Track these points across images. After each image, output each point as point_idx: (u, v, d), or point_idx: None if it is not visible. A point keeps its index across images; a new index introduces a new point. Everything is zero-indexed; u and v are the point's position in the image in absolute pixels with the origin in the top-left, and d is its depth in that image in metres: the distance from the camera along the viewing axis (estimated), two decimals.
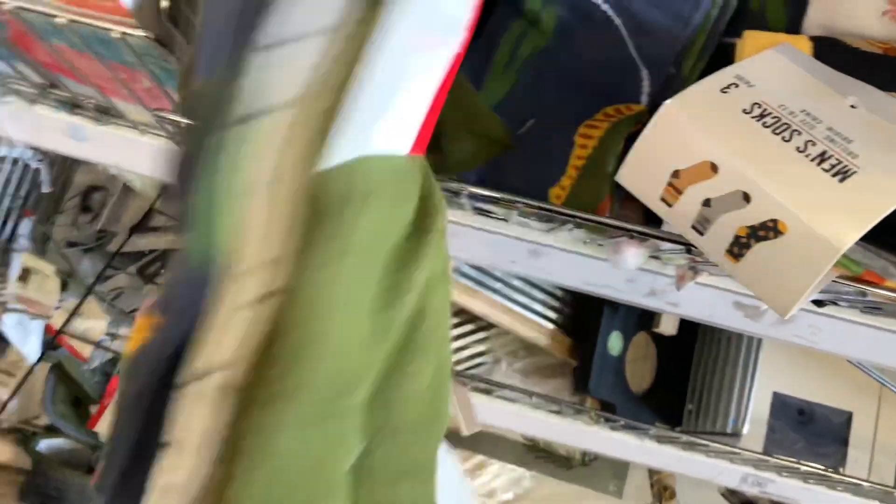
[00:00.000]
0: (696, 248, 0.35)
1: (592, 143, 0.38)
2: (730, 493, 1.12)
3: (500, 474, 1.11)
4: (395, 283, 0.31)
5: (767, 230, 0.31)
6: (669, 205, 0.34)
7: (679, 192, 0.33)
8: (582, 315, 0.83)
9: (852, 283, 0.38)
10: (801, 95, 0.34)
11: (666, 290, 0.55)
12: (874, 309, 0.48)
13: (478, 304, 0.76)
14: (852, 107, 0.35)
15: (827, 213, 0.30)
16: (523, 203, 0.39)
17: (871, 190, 0.31)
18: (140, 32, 0.39)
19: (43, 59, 0.47)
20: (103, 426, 0.52)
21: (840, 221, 0.30)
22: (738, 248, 0.32)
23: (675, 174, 0.33)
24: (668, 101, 0.33)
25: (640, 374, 0.86)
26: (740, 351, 0.79)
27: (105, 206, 1.02)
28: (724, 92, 0.34)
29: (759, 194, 0.31)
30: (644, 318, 0.83)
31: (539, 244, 0.51)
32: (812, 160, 0.31)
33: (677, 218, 0.34)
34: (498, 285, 0.77)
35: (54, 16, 0.40)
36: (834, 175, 0.31)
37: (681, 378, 0.87)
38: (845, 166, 0.31)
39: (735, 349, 0.80)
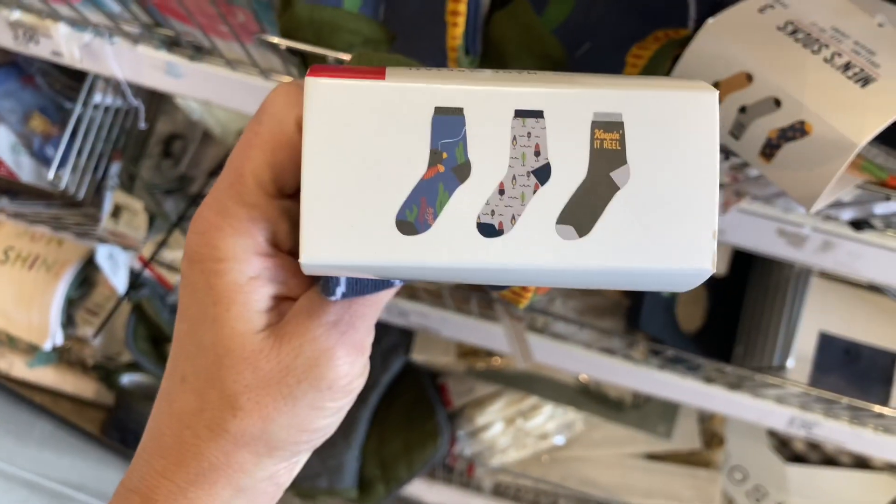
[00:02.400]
0: (733, 153, 0.39)
1: (642, 62, 0.42)
2: (781, 446, 1.14)
3: (554, 416, 1.14)
4: None
5: (795, 131, 0.35)
6: None
7: (718, 101, 0.37)
8: None
9: (877, 188, 0.42)
10: (832, 14, 0.38)
11: None
12: None
13: None
14: (879, 25, 0.38)
15: (847, 113, 0.34)
16: None
17: (889, 94, 0.34)
18: None
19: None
20: None
21: (858, 120, 0.34)
22: (769, 149, 0.36)
23: (715, 85, 0.37)
24: (710, 20, 0.37)
25: (691, 315, 0.89)
26: (787, 290, 0.80)
27: (185, 152, 1.09)
28: (762, 12, 0.38)
29: (788, 99, 0.35)
30: None
31: None
32: (837, 69, 0.35)
33: None
34: None
35: None
36: (856, 81, 0.35)
37: (731, 321, 0.89)
38: (867, 74, 0.35)
39: (783, 289, 0.81)
